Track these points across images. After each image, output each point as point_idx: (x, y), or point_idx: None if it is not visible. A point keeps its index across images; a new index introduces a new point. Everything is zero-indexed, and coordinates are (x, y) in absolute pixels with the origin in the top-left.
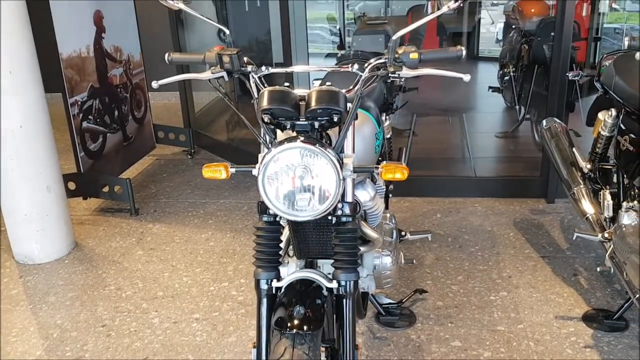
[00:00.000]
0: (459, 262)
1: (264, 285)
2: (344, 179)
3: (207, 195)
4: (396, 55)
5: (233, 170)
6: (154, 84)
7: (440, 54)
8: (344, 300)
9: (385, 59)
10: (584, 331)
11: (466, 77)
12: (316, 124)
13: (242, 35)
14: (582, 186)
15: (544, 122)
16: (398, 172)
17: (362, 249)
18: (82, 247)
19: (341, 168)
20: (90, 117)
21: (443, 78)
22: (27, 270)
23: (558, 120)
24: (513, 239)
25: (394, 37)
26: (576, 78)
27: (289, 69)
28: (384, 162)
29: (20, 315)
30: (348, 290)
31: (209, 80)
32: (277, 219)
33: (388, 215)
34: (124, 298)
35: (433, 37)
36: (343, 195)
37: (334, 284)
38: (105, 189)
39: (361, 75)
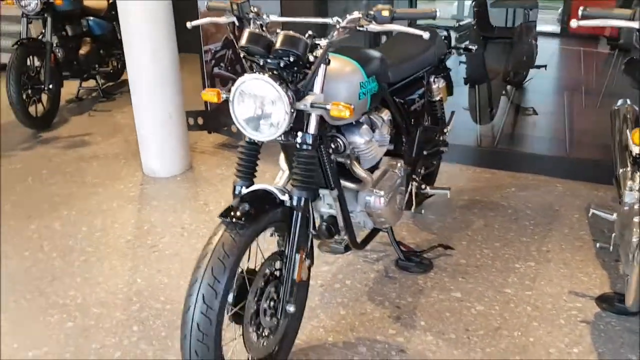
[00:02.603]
0: (504, 231)
1: (237, 190)
2: (293, 111)
3: None
4: (370, 12)
5: (224, 96)
6: (188, 25)
7: (414, 14)
8: (294, 212)
9: (361, 13)
10: (590, 309)
11: (425, 35)
12: (282, 63)
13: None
14: (628, 169)
15: (619, 102)
16: (342, 112)
17: (353, 186)
18: (194, 170)
19: (293, 102)
20: (222, 64)
21: (584, 58)
22: (147, 180)
23: (630, 103)
24: (575, 220)
25: None
26: None
27: (287, 19)
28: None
29: (128, 210)
30: (299, 205)
31: (227, 25)
32: (257, 141)
33: (399, 164)
34: (206, 211)
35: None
36: (307, 127)
37: (286, 197)
38: (225, 128)
39: (336, 26)
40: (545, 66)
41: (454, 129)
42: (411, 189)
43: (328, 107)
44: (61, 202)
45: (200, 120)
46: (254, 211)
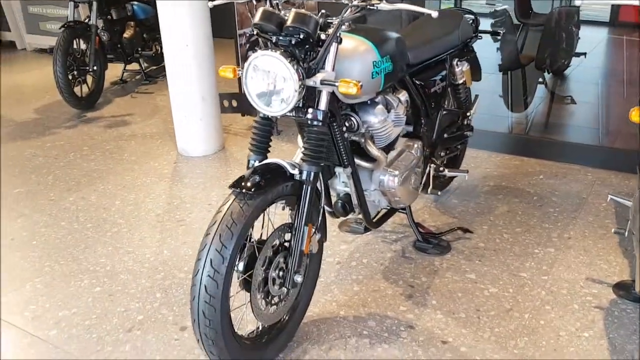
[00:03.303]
0: (527, 217)
1: (250, 164)
2: (302, 87)
3: None
4: None
5: (239, 72)
6: (210, 4)
7: None
8: (304, 186)
9: None
10: (605, 295)
11: (434, 14)
12: (293, 40)
13: None
14: None
15: None
16: (350, 89)
17: (367, 165)
18: (226, 151)
19: (303, 78)
20: (256, 47)
21: (631, 48)
22: (181, 159)
23: None
24: (602, 209)
25: None
26: None
27: None
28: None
29: (160, 186)
30: (308, 179)
31: (246, 3)
32: (270, 117)
33: (415, 145)
34: None
35: None
36: (318, 103)
37: (296, 172)
38: None
39: (348, 5)
40: (584, 54)
41: (487, 115)
42: (429, 171)
43: (337, 83)
44: (99, 177)
45: (234, 103)
46: (263, 183)
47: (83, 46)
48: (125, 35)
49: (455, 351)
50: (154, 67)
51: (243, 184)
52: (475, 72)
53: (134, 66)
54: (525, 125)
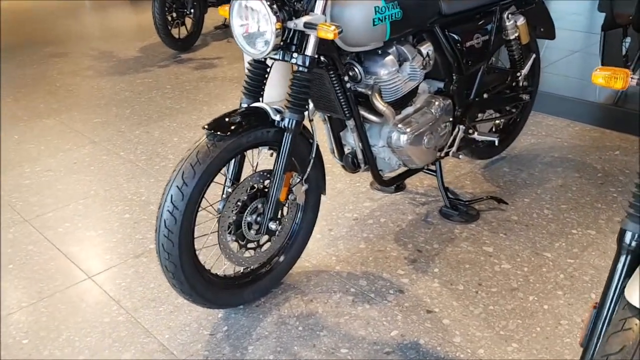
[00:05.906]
0: (581, 194)
1: (242, 106)
2: (279, 29)
3: None
4: None
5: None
6: None
7: None
8: (285, 134)
9: None
10: None
11: None
12: None
13: None
14: None
15: None
16: (328, 33)
17: (375, 119)
18: None
19: (284, 20)
20: None
21: None
22: None
23: None
24: None
25: None
26: None
27: None
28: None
29: None
30: (290, 126)
31: None
32: (263, 60)
33: (437, 102)
34: None
35: None
36: (304, 48)
37: (278, 117)
38: None
39: None
40: None
41: (573, 80)
42: (457, 133)
43: (316, 27)
44: (169, 114)
45: None
46: (238, 126)
47: None
48: None
49: (437, 322)
50: None
51: (215, 125)
52: (547, 28)
53: None
54: (615, 94)
